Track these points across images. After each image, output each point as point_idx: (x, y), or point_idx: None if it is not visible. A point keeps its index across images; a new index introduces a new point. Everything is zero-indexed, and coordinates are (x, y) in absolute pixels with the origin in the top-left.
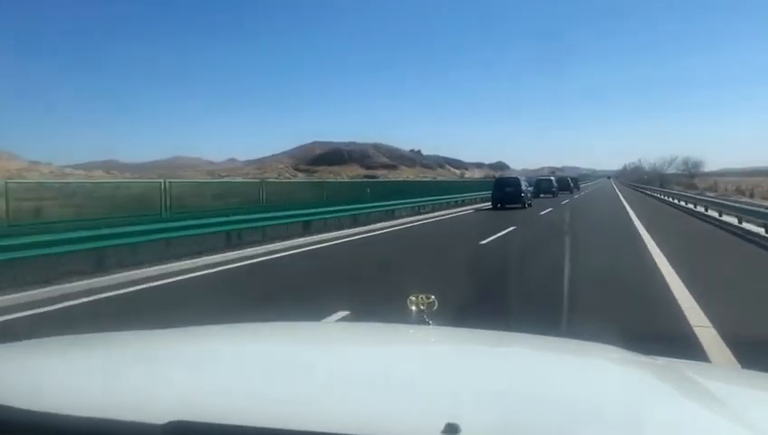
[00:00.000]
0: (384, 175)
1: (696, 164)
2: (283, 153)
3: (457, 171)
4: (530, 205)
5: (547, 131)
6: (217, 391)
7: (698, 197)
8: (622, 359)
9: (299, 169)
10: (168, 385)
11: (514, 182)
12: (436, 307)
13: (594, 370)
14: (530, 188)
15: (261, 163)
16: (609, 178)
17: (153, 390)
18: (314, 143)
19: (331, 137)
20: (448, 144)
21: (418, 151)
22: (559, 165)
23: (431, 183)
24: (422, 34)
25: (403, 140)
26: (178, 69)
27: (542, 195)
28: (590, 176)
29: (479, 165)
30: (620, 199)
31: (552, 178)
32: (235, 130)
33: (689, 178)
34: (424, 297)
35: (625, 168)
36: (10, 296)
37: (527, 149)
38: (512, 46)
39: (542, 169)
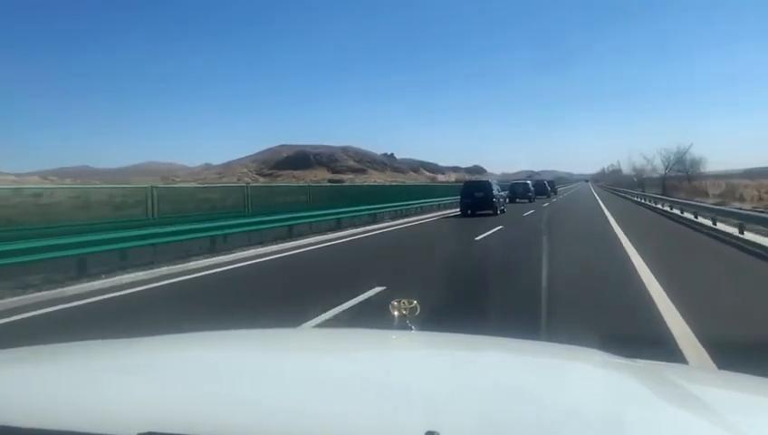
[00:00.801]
0: (351, 179)
1: (696, 163)
2: (250, 157)
3: (432, 175)
4: (503, 211)
5: (525, 135)
6: (190, 401)
7: (728, 209)
8: (602, 362)
9: (262, 174)
10: (138, 396)
11: (485, 186)
12: (418, 312)
13: (575, 373)
14: (502, 193)
15: (227, 167)
16: (586, 181)
17: (123, 401)
18: (282, 147)
19: (303, 140)
20: (425, 148)
21: (391, 155)
22: (537, 169)
23: (394, 188)
24: (400, 38)
25: (377, 144)
26: (153, 75)
27: (518, 200)
28: (568, 179)
29: (455, 169)
30: (601, 207)
31: (529, 181)
32: (211, 134)
33: (687, 180)
34: (406, 302)
35: (603, 171)
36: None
37: (505, 153)
38: (491, 50)
39: (520, 172)
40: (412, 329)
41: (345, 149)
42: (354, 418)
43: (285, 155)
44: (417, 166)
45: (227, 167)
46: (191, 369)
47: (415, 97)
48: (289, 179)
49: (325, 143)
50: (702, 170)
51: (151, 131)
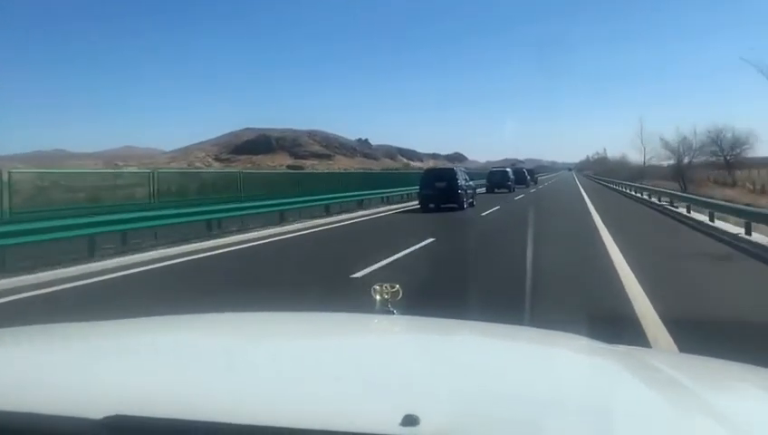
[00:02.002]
0: (313, 166)
1: (736, 144)
2: (212, 140)
3: (410, 162)
4: (471, 204)
5: (510, 123)
6: (161, 384)
7: None
8: (583, 347)
9: (219, 159)
10: (109, 379)
11: (448, 175)
12: (400, 296)
13: (557, 358)
14: (471, 183)
15: (185, 152)
16: (569, 169)
17: (92, 383)
18: (247, 130)
19: (274, 123)
20: (403, 134)
21: (365, 141)
22: (522, 157)
23: (349, 175)
24: (379, 20)
25: (352, 129)
26: (126, 57)
27: (496, 190)
28: (551, 168)
29: (434, 156)
30: (583, 197)
31: (509, 169)
32: (189, 118)
33: (726, 168)
34: (388, 286)
35: (587, 159)
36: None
37: (488, 141)
38: (472, 33)
39: (504, 161)
40: (394, 313)
41: (312, 133)
42: (332, 401)
43: (246, 139)
44: (393, 152)
45: (185, 151)
46: (164, 352)
47: (394, 82)
48: (244, 165)
49: (294, 127)
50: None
51: (129, 115)
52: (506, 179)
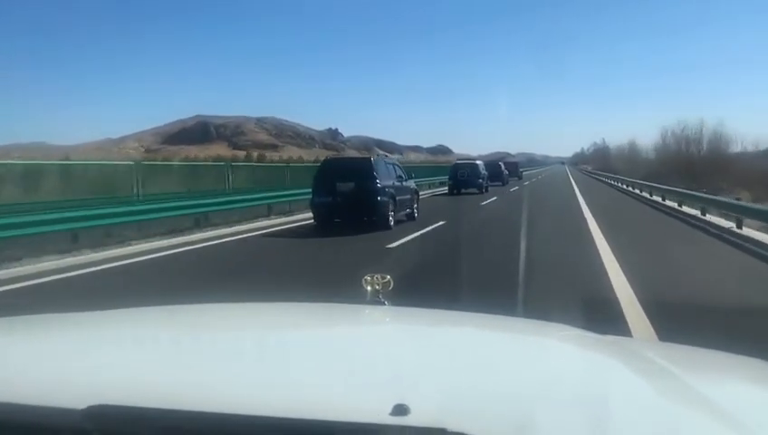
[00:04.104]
0: (253, 157)
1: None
2: (156, 129)
3: (390, 155)
4: (411, 217)
5: (500, 115)
6: (146, 374)
7: None
8: (573, 337)
9: (150, 150)
10: (92, 369)
11: (361, 170)
12: (391, 287)
13: (548, 348)
14: (408, 184)
15: (120, 142)
16: (562, 163)
17: (75, 373)
18: (197, 117)
19: (228, 111)
20: (388, 126)
21: (335, 130)
22: (513, 151)
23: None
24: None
25: (324, 119)
26: (106, 50)
27: (462, 190)
28: (543, 162)
29: (415, 148)
30: (580, 205)
31: (479, 163)
32: (136, 104)
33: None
34: (379, 277)
35: (582, 151)
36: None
37: (476, 134)
38: (461, 21)
39: (494, 154)
40: (385, 304)
41: (261, 121)
42: (322, 391)
43: (184, 127)
44: (369, 144)
45: (120, 142)
46: (150, 342)
47: (377, 71)
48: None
49: (253, 115)
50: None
51: (105, 107)
52: (475, 176)
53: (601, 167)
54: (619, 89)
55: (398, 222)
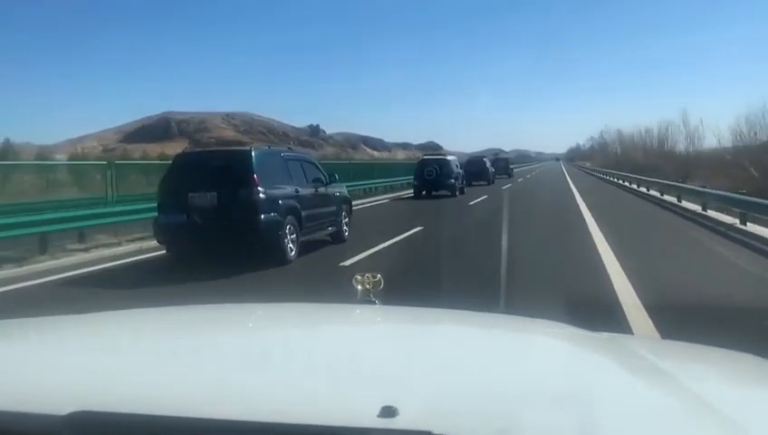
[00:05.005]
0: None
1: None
2: (119, 127)
3: (375, 153)
4: (338, 238)
5: (493, 112)
6: (128, 379)
7: None
8: (565, 334)
9: (107, 149)
10: (72, 373)
11: (236, 166)
12: (382, 286)
13: (539, 346)
14: (340, 190)
15: (80, 141)
16: (557, 159)
17: (55, 378)
18: (167, 114)
19: (201, 108)
20: (376, 123)
21: (316, 126)
22: (507, 148)
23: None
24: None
25: (306, 116)
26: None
27: (433, 192)
28: (537, 158)
29: (405, 145)
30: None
31: (451, 158)
32: (101, 102)
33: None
34: (370, 276)
35: (578, 146)
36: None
37: (468, 131)
38: (451, 16)
39: (487, 151)
40: (375, 303)
41: (229, 117)
42: (310, 392)
43: (142, 125)
44: (355, 141)
45: (79, 141)
46: (133, 346)
47: (361, 67)
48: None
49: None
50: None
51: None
52: (445, 175)
53: (604, 163)
54: (614, 84)
55: (311, 247)
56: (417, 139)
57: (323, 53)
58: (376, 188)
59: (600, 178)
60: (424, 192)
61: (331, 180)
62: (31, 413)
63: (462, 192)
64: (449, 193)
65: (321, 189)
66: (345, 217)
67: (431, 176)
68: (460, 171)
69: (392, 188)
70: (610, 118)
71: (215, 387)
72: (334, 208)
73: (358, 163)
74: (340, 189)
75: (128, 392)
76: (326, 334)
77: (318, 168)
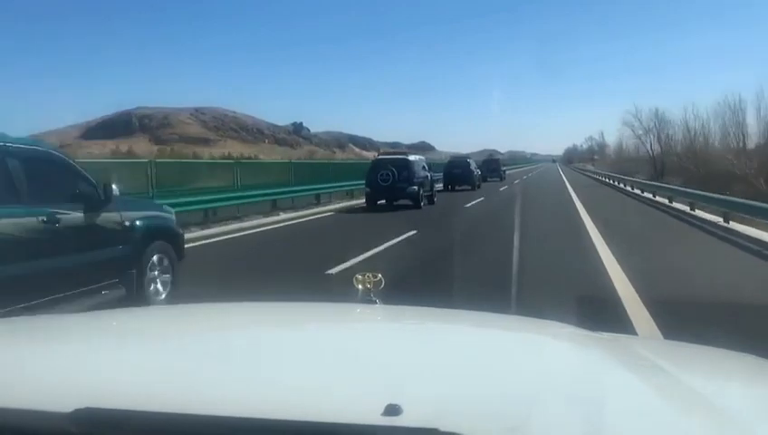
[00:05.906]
0: (156, 153)
1: None
2: (87, 122)
3: (364, 152)
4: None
5: (488, 112)
6: (134, 376)
7: None
8: (569, 335)
9: (63, 144)
10: (77, 371)
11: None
12: (383, 286)
13: (541, 347)
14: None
15: (41, 138)
16: (554, 161)
17: (60, 376)
18: (138, 109)
19: (177, 103)
20: (367, 123)
21: (299, 124)
22: (502, 149)
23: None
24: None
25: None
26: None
27: (395, 201)
28: (531, 160)
29: (395, 145)
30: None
31: (418, 158)
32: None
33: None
34: (371, 275)
35: (575, 147)
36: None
37: (462, 131)
38: (448, 15)
39: (481, 152)
40: (376, 302)
41: (199, 111)
42: (314, 391)
43: (102, 121)
44: (343, 140)
45: (41, 138)
46: (137, 344)
47: (352, 65)
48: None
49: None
50: None
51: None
52: (406, 180)
53: (613, 167)
54: (610, 86)
55: None
56: (409, 139)
57: (312, 51)
58: (330, 194)
59: (616, 188)
60: (380, 202)
61: (114, 197)
62: (36, 410)
63: (431, 201)
64: (411, 203)
65: (75, 215)
66: (159, 266)
67: (386, 181)
68: (427, 174)
69: (351, 195)
70: (610, 118)
71: (219, 384)
72: (115, 252)
73: (301, 163)
74: (144, 214)
75: (132, 389)
76: (329, 333)
77: (80, 173)
